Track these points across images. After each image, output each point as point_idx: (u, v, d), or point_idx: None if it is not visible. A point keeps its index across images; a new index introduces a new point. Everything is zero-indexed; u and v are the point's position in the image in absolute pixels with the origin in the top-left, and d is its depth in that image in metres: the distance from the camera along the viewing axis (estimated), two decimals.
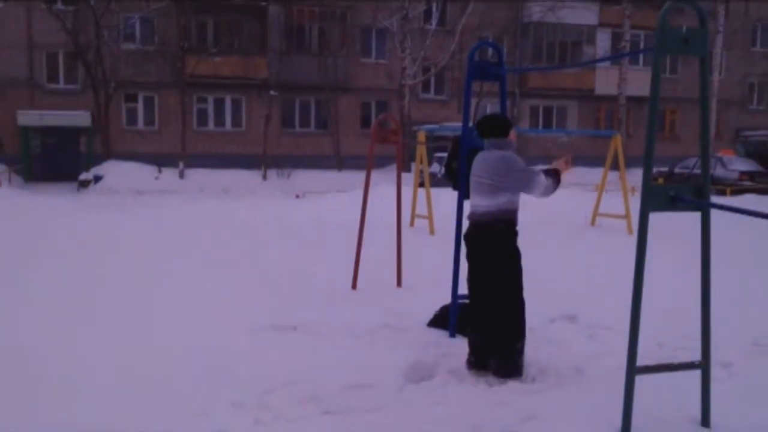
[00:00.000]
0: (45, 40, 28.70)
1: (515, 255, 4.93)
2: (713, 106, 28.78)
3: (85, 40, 27.22)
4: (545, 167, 5.07)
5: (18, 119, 28.10)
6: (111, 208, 17.06)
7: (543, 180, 4.80)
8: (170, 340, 5.49)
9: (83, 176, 25.67)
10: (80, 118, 28.46)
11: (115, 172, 25.88)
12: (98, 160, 27.37)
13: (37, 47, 29.22)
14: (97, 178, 25.42)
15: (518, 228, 4.98)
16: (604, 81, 33.03)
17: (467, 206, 5.84)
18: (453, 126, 20.44)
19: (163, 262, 8.92)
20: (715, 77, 29.62)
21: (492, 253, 4.88)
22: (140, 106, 30.76)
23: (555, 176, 4.90)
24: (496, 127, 4.96)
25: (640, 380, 3.86)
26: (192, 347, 5.30)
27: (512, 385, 4.69)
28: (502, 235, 4.89)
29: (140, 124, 30.82)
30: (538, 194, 4.85)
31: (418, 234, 11.72)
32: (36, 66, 29.49)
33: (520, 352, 4.90)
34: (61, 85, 29.87)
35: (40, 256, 9.23)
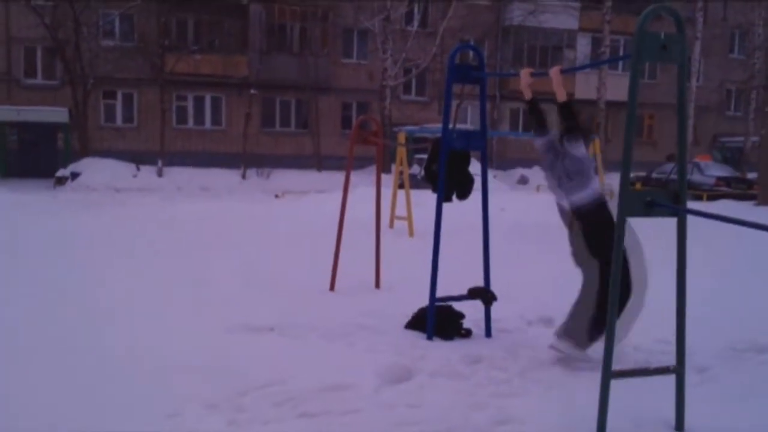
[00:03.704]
0: (23, 35, 28.37)
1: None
2: (691, 112, 29.05)
3: (63, 36, 26.93)
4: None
5: None
6: (87, 205, 16.89)
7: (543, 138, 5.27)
8: (144, 340, 5.43)
9: (60, 173, 25.39)
10: (58, 114, 28.14)
11: (92, 169, 25.62)
12: (76, 156, 27.08)
13: (15, 42, 28.87)
14: (74, 175, 25.15)
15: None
16: (584, 85, 33.19)
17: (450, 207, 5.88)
18: (434, 128, 20.44)
19: (137, 262, 8.85)
20: (693, 83, 29.91)
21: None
22: (119, 103, 30.49)
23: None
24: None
25: (615, 383, 3.87)
26: (166, 347, 5.25)
27: (489, 387, 4.69)
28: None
29: (119, 121, 30.55)
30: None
31: (397, 236, 11.72)
32: (14, 61, 29.13)
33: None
34: (39, 80, 29.54)
35: (9, 254, 9.12)
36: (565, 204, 5.16)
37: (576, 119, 5.07)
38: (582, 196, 5.04)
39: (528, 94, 5.47)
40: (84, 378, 4.59)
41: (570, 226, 5.20)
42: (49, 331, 5.63)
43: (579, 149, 5.06)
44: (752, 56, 32.22)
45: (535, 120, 5.46)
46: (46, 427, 3.85)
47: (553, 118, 5.14)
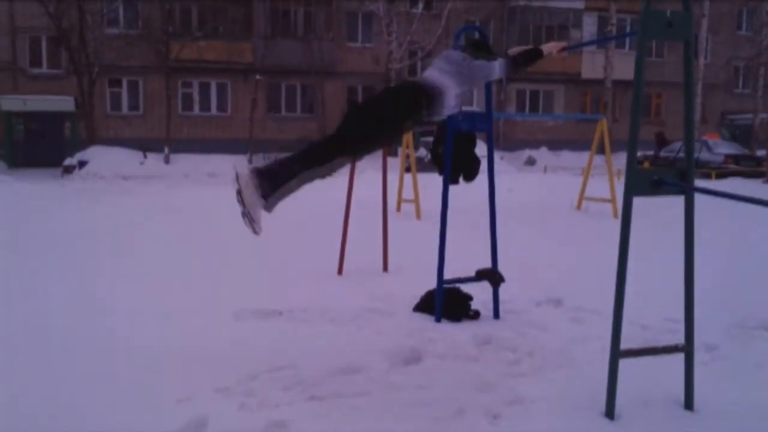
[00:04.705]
0: (28, 25, 28.36)
1: None
2: (698, 90, 28.85)
3: (68, 25, 26.89)
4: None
5: (1, 104, 27.79)
6: (95, 194, 16.93)
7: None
8: (153, 326, 5.46)
9: (67, 162, 25.44)
10: (64, 103, 28.18)
11: (99, 157, 25.66)
12: (82, 145, 27.11)
13: (19, 32, 28.88)
14: (82, 164, 25.19)
15: None
16: (591, 65, 33.04)
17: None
18: None
19: (146, 249, 8.87)
20: (701, 61, 29.66)
21: None
22: (124, 91, 30.50)
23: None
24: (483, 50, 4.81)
25: (624, 363, 3.88)
26: (176, 333, 5.28)
27: (498, 368, 4.70)
28: None
29: (125, 108, 30.58)
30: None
31: (404, 219, 11.72)
32: (19, 50, 29.16)
33: None
34: (45, 69, 29.55)
35: (20, 246, 9.16)
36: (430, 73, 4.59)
37: (524, 67, 4.76)
38: (449, 85, 4.45)
39: (546, 51, 5.07)
40: (93, 365, 4.62)
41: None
42: (58, 323, 5.66)
43: (497, 69, 4.60)
44: (760, 33, 31.87)
45: (523, 59, 4.86)
46: (51, 417, 3.86)
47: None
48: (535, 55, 4.81)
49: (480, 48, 4.85)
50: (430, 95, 4.36)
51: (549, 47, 4.88)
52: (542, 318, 5.95)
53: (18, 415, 3.84)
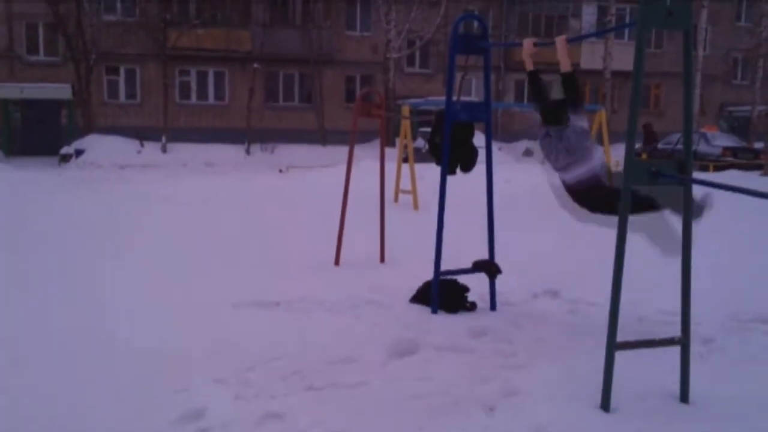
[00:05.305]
0: (24, 11, 28.20)
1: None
2: (697, 81, 28.77)
3: (65, 11, 26.71)
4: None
5: None
6: (92, 183, 16.89)
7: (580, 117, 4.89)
8: (151, 317, 5.46)
9: (64, 150, 25.32)
10: (61, 90, 28.02)
11: (96, 146, 25.55)
12: (80, 133, 26.99)
13: (16, 18, 28.68)
14: (79, 152, 25.08)
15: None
16: (590, 55, 32.89)
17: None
18: (438, 100, 20.31)
19: (143, 240, 8.86)
20: (700, 52, 29.58)
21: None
22: (122, 79, 30.34)
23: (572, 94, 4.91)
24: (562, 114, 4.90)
25: (620, 355, 3.88)
26: (173, 323, 5.27)
27: (495, 360, 4.70)
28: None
29: (122, 97, 30.44)
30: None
31: (401, 209, 11.70)
32: (15, 38, 28.97)
33: None
34: (41, 57, 29.40)
35: (17, 239, 9.13)
36: (568, 179, 4.99)
37: (578, 91, 4.90)
38: (583, 171, 4.86)
39: (529, 65, 5.33)
40: (90, 354, 4.61)
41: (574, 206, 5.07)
42: (57, 314, 5.65)
43: (582, 121, 4.88)
44: (759, 24, 31.75)
45: (534, 92, 5.31)
46: (51, 418, 3.83)
47: (555, 89, 5.00)
48: (571, 80, 4.84)
49: (555, 110, 4.96)
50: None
51: (562, 59, 4.88)
52: (539, 310, 5.96)
53: (18, 416, 3.81)
